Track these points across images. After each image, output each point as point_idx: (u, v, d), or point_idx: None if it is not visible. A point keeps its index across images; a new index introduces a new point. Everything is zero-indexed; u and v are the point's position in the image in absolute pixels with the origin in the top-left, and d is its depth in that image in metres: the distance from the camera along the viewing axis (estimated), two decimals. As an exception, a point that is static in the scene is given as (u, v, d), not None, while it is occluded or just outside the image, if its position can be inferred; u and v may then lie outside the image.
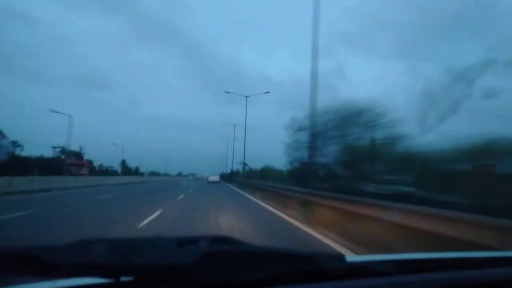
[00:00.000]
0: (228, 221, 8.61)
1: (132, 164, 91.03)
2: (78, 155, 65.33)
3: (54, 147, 58.19)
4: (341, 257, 1.07)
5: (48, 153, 59.19)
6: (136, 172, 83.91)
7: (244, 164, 47.29)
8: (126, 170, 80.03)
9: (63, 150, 54.61)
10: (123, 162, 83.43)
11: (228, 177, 58.38)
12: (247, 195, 20.27)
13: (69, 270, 0.84)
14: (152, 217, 9.12)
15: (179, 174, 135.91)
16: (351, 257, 1.13)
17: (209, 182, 48.30)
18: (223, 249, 0.97)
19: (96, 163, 76.92)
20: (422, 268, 1.18)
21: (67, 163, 47.36)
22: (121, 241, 0.95)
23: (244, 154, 59.01)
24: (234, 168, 68.75)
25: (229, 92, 38.19)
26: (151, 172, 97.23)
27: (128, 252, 0.87)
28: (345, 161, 15.68)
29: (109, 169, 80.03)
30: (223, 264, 0.92)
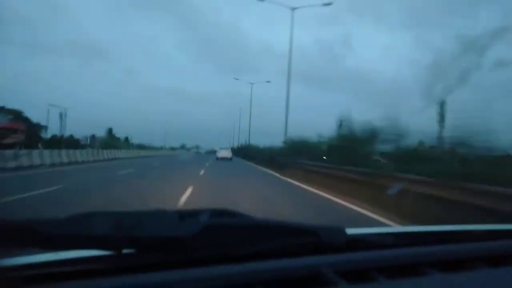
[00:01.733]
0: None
1: (121, 134, 79.28)
2: (17, 114, 51.93)
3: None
4: (341, 229, 1.07)
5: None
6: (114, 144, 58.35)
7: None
8: (105, 142, 62.14)
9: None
10: (109, 131, 72.12)
11: (241, 152, 50.47)
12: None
13: (70, 242, 0.85)
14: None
15: (183, 147, 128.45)
16: (351, 230, 1.14)
17: (217, 158, 36.71)
18: (223, 222, 0.98)
19: (80, 134, 66.64)
20: (422, 241, 1.19)
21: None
22: (123, 214, 0.97)
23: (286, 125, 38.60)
24: (239, 142, 65.42)
25: (237, 79, 41.75)
26: (139, 145, 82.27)
27: (129, 225, 0.88)
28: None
29: (80, 140, 65.38)
30: (223, 236, 0.93)
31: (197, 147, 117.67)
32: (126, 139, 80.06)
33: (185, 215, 0.96)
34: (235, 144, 67.13)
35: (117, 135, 78.00)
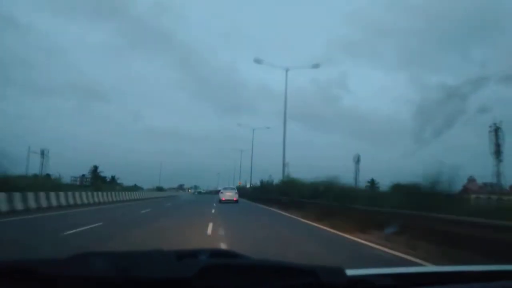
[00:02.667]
0: None
1: (108, 173, 70.11)
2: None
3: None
4: (340, 270, 1.06)
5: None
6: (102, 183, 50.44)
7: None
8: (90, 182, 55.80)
9: None
10: (93, 170, 64.73)
11: (250, 194, 42.01)
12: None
13: (68, 283, 0.84)
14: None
15: (181, 187, 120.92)
16: (351, 270, 1.13)
17: (221, 201, 27.52)
18: (222, 263, 0.97)
19: (67, 174, 53.90)
20: (421, 282, 1.19)
21: None
22: (121, 254, 0.97)
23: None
24: (242, 182, 62.91)
25: (240, 125, 40.66)
26: (134, 186, 71.99)
27: (127, 266, 0.88)
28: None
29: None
30: (222, 277, 0.92)
31: (195, 187, 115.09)
32: (113, 178, 72.32)
33: (183, 255, 0.96)
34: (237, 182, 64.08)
35: (103, 175, 70.36)
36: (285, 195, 22.43)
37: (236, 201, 28.60)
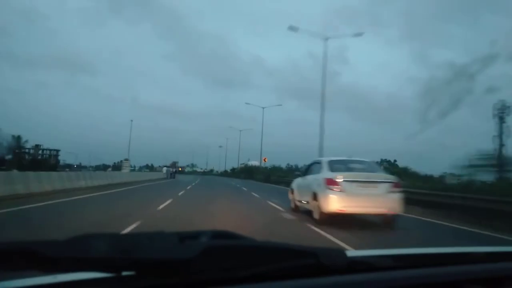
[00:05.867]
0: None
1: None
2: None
3: None
4: (341, 252, 1.08)
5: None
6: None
7: None
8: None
9: None
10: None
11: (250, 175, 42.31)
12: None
13: (69, 264, 0.85)
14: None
15: (174, 165, 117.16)
16: (351, 252, 1.13)
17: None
18: (224, 244, 0.99)
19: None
20: (422, 262, 1.20)
21: None
22: (122, 236, 0.97)
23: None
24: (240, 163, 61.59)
25: (249, 103, 41.59)
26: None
27: (129, 247, 0.88)
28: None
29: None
30: (224, 258, 0.93)
31: (192, 165, 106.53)
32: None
33: (185, 237, 0.96)
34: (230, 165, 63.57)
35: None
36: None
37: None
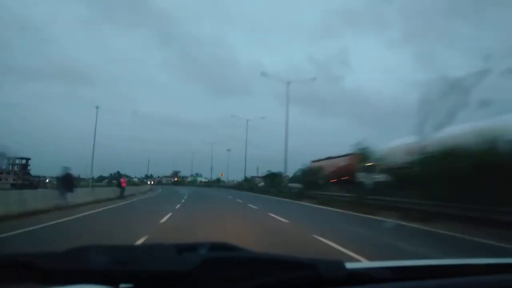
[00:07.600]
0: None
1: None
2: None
3: None
4: (340, 264, 1.07)
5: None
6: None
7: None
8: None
9: None
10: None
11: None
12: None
13: (68, 277, 0.84)
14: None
15: (175, 174, 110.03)
16: (351, 263, 1.15)
17: None
18: (222, 256, 0.98)
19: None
20: (421, 275, 1.20)
21: None
22: (121, 248, 0.97)
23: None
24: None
25: (235, 116, 39.68)
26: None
27: (127, 259, 0.88)
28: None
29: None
30: (222, 270, 0.93)
31: (196, 175, 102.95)
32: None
33: (183, 249, 0.96)
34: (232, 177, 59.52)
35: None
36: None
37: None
